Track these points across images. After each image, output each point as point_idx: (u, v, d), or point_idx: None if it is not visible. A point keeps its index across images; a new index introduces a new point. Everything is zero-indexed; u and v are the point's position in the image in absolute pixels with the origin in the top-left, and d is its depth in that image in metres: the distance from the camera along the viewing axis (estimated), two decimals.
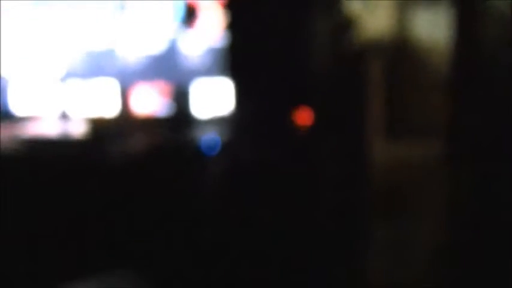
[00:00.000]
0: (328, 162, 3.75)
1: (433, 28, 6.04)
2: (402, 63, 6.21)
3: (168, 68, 3.81)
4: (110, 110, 3.93)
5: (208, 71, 3.71)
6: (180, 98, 3.79)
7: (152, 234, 3.39)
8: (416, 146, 5.88)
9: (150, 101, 3.85)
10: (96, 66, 3.92)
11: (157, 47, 3.81)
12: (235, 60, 3.54)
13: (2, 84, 4.03)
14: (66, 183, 3.54)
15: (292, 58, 3.48)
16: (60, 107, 4.02)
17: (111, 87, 3.91)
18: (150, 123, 3.83)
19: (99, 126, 3.77)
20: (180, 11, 3.72)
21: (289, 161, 3.40)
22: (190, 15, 3.71)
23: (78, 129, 3.81)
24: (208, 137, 3.56)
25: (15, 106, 4.05)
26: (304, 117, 3.47)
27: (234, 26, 3.51)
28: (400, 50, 6.19)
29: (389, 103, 6.13)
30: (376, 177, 4.89)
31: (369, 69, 4.62)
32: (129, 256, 3.32)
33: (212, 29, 3.67)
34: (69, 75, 3.98)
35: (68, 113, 4.01)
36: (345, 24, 4.15)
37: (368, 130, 4.68)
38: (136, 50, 3.84)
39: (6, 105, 4.05)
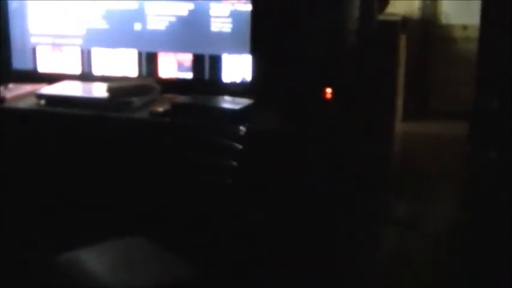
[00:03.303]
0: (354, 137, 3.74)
1: (462, 8, 6.02)
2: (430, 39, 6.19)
3: (193, 35, 3.78)
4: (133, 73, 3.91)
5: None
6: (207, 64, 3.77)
7: (168, 200, 3.39)
8: (441, 124, 5.89)
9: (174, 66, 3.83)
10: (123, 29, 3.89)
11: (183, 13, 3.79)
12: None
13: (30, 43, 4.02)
14: (86, 144, 3.54)
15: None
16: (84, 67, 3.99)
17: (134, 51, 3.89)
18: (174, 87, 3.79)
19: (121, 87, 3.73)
20: None
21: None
22: None
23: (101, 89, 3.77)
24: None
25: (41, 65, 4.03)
26: (332, 92, 3.45)
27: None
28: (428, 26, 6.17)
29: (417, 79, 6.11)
30: (399, 152, 4.89)
31: (397, 44, 4.58)
32: (143, 221, 3.31)
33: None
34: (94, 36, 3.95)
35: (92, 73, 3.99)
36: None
37: (394, 106, 4.65)
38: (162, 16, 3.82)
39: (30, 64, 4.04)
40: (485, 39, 5.11)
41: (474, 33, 5.57)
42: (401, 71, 5.34)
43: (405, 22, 5.28)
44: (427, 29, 6.17)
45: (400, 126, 5.36)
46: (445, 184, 4.78)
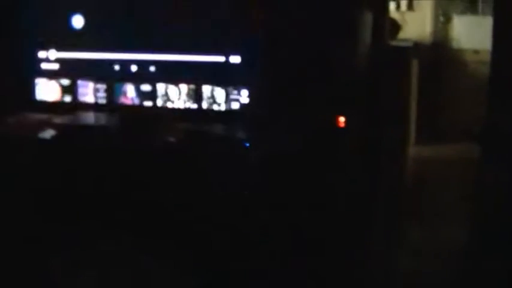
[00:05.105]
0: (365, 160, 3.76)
1: (474, 33, 6.05)
2: (441, 64, 6.23)
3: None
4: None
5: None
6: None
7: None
8: (451, 148, 5.90)
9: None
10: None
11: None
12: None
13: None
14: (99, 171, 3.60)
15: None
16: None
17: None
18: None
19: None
20: None
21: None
22: None
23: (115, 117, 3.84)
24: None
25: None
26: (345, 120, 3.48)
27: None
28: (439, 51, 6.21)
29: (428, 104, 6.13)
30: (410, 175, 4.90)
31: (409, 69, 4.60)
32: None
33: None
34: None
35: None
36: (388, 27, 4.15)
37: (406, 129, 4.67)
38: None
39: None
40: (497, 63, 5.12)
41: (486, 57, 5.58)
42: (414, 95, 5.36)
43: (417, 47, 5.32)
44: (439, 53, 6.21)
45: (413, 150, 5.38)
46: (457, 207, 4.79)
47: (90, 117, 3.94)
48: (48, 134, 3.79)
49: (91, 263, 3.20)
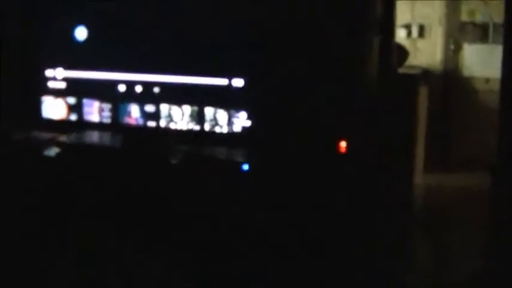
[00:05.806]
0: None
1: (484, 61, 6.02)
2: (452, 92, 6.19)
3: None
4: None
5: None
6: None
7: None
8: (460, 176, 5.84)
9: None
10: None
11: None
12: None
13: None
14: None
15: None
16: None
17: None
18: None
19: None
20: None
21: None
22: None
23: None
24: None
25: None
26: (347, 145, 3.47)
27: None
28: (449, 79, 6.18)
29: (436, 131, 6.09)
30: (417, 204, 4.86)
31: (416, 96, 4.59)
32: None
33: None
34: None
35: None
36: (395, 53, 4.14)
37: (413, 158, 4.64)
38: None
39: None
40: (507, 91, 5.10)
41: (496, 86, 5.55)
42: (423, 122, 5.34)
43: (426, 74, 5.31)
44: (449, 81, 6.19)
45: (422, 178, 5.34)
46: (467, 237, 4.74)
47: (94, 136, 3.99)
48: (54, 151, 3.84)
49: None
